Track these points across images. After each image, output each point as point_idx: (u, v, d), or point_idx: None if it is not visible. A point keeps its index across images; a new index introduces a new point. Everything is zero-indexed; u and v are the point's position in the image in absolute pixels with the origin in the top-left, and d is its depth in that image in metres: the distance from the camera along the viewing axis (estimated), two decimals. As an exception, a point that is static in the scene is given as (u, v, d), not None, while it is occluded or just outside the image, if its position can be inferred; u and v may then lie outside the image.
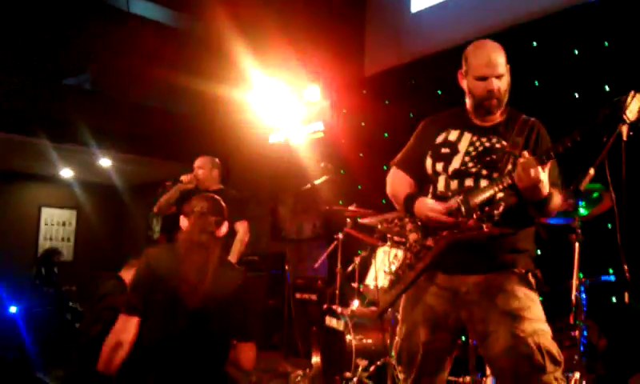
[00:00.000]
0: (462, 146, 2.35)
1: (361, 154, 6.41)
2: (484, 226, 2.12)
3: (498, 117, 2.39)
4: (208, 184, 4.53)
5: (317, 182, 5.31)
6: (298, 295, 6.04)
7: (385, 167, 6.14)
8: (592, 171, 1.96)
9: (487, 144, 2.33)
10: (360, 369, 3.95)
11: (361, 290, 4.44)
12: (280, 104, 6.32)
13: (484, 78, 2.31)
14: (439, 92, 5.69)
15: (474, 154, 2.32)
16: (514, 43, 5.02)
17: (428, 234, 2.25)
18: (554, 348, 2.12)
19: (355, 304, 4.45)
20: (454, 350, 2.37)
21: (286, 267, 6.11)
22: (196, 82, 6.23)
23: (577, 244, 3.21)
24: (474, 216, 2.14)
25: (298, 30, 6.39)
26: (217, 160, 4.69)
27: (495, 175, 2.24)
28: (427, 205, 2.25)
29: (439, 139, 2.42)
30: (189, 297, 2.35)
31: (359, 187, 6.30)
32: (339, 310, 4.30)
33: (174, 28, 6.85)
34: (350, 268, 4.64)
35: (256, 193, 6.94)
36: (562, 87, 4.58)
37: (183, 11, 6.66)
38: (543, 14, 4.85)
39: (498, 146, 2.31)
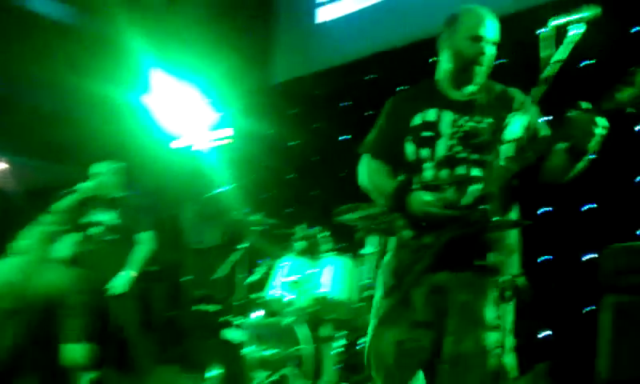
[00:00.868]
0: (445, 128, 2.15)
1: (266, 163, 6.36)
2: (491, 218, 1.99)
3: (473, 89, 2.21)
4: (108, 191, 4.31)
5: (222, 189, 5.20)
6: (197, 306, 5.89)
7: (292, 176, 6.31)
8: None
9: (471, 123, 2.14)
10: (257, 381, 3.88)
11: (262, 300, 4.38)
12: (184, 108, 6.17)
13: (479, 39, 2.15)
14: (344, 104, 5.77)
15: (458, 136, 2.13)
16: (414, 58, 5.25)
17: (425, 231, 2.08)
18: (510, 367, 2.03)
19: (256, 315, 4.38)
20: (435, 351, 2.17)
21: (187, 277, 5.96)
22: (95, 84, 5.95)
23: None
24: (478, 208, 2.00)
25: (204, 34, 6.26)
26: (118, 165, 4.45)
27: (487, 159, 2.07)
28: (424, 200, 2.07)
29: (417, 120, 2.19)
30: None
31: (266, 195, 6.25)
32: (239, 321, 4.21)
33: (72, 26, 6.53)
34: (252, 278, 4.57)
35: (158, 200, 6.73)
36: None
37: (81, 9, 6.36)
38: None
39: (482, 124, 2.13)
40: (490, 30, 2.18)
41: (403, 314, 2.12)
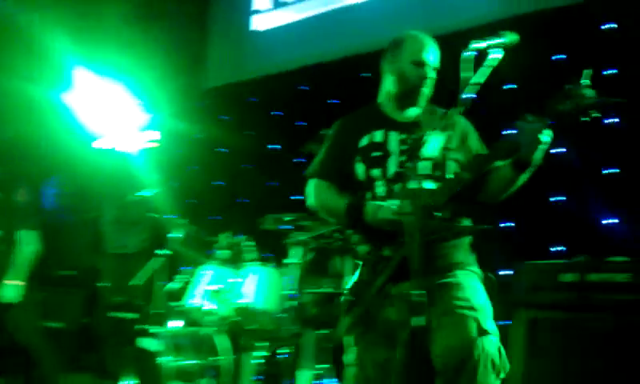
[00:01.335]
0: (393, 146, 2.20)
1: (194, 168, 6.26)
2: (451, 224, 2.03)
3: (417, 111, 2.26)
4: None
5: (146, 193, 5.06)
6: (114, 313, 5.68)
7: (220, 183, 6.24)
8: None
9: (419, 142, 2.14)
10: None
11: (182, 309, 4.28)
12: (109, 108, 5.97)
13: (422, 64, 2.21)
14: (275, 112, 5.76)
15: (407, 153, 2.17)
16: (345, 73, 5.32)
17: (383, 243, 2.07)
18: (497, 356, 2.03)
19: (174, 324, 4.27)
20: (415, 367, 2.10)
21: (105, 283, 5.74)
22: (11, 81, 5.66)
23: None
24: (436, 217, 2.01)
25: (134, 33, 6.10)
26: None
27: (437, 174, 2.09)
28: (382, 207, 2.07)
29: (364, 141, 2.23)
30: None
31: (192, 201, 6.13)
32: (156, 330, 4.10)
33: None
34: (172, 286, 4.46)
35: (77, 202, 6.49)
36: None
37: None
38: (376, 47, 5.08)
39: (429, 142, 2.12)
40: (433, 55, 2.25)
41: (375, 334, 2.10)
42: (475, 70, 2.06)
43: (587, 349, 2.96)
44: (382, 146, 2.21)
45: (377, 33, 5.06)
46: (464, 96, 2.04)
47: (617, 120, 3.93)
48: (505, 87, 4.10)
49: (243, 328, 4.26)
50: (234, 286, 4.22)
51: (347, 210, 2.16)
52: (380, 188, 2.17)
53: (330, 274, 4.15)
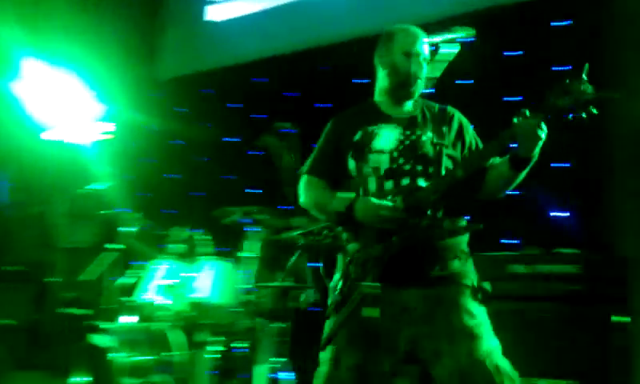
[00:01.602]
0: (386, 142, 2.17)
1: (149, 160, 6.14)
2: (444, 224, 2.01)
3: (411, 106, 2.26)
4: None
5: (99, 186, 4.94)
6: (64, 309, 5.54)
7: (175, 175, 6.12)
8: None
9: (413, 137, 2.17)
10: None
11: (134, 304, 4.20)
12: (60, 99, 5.80)
13: (414, 55, 2.20)
14: (232, 105, 5.69)
15: (401, 149, 2.14)
16: (303, 66, 5.29)
17: (373, 241, 2.04)
18: (508, 366, 2.01)
19: (127, 319, 4.18)
20: (399, 374, 2.13)
21: (55, 278, 5.60)
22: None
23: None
24: (428, 215, 1.99)
25: (86, 22, 5.94)
26: None
27: (431, 170, 2.11)
28: (374, 204, 2.03)
29: (357, 137, 2.20)
30: None
31: (146, 194, 6.01)
32: (107, 326, 4.01)
33: None
34: (124, 281, 4.36)
35: (25, 195, 6.31)
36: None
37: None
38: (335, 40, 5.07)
39: (424, 138, 2.16)
40: (424, 47, 2.23)
41: (356, 334, 2.03)
42: (431, 65, 2.07)
43: (536, 339, 3.04)
44: (374, 141, 2.18)
45: (335, 25, 5.07)
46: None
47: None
48: (458, 82, 4.14)
49: (198, 323, 4.21)
50: (188, 281, 4.16)
51: (338, 206, 2.13)
52: (372, 184, 2.14)
53: (287, 268, 4.14)
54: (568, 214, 3.96)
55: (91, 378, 4.09)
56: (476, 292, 2.08)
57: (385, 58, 2.26)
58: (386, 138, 2.18)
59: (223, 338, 4.09)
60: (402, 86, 2.23)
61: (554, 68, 3.75)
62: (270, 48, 5.49)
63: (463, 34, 2.14)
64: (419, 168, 2.12)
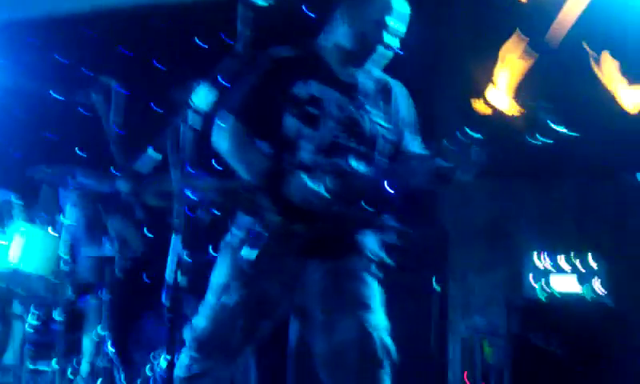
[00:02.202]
0: (329, 108, 1.99)
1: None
2: (373, 214, 1.95)
3: (359, 72, 2.09)
4: None
5: None
6: None
7: None
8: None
9: (353, 108, 2.02)
10: None
11: None
12: None
13: (386, 26, 2.01)
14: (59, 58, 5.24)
15: (339, 118, 1.99)
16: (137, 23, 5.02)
17: (296, 219, 1.93)
18: (392, 345, 2.02)
19: None
20: (265, 338, 2.11)
21: None
22: None
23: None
24: (356, 207, 1.93)
25: None
26: None
27: (363, 150, 2.01)
28: (308, 189, 1.90)
29: (299, 92, 1.98)
30: None
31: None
32: None
33: None
34: None
35: None
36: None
37: None
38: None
39: (362, 111, 2.03)
40: (401, 23, 2.07)
41: (251, 300, 2.00)
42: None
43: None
44: (319, 104, 2.00)
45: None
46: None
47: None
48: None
49: (10, 294, 3.87)
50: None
51: (268, 172, 1.96)
52: (306, 153, 1.98)
53: (110, 234, 3.91)
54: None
55: None
56: (374, 265, 2.09)
57: (354, 17, 2.05)
58: (330, 104, 2.01)
59: (37, 311, 3.79)
60: (362, 55, 2.07)
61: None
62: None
63: None
64: (353, 144, 2.02)
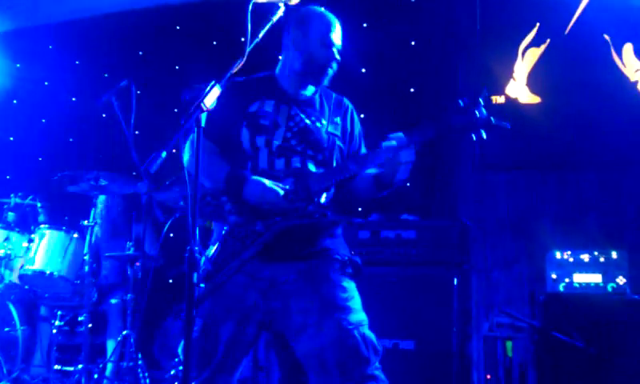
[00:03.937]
0: (282, 120, 2.14)
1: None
2: (327, 213, 2.00)
3: (312, 91, 2.23)
4: None
5: None
6: None
7: (3, 137, 5.51)
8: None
9: (307, 120, 2.15)
10: None
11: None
12: None
13: (330, 45, 2.17)
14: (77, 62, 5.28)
15: (295, 130, 2.13)
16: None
17: (256, 218, 2.02)
18: (374, 338, 2.04)
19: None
20: (255, 344, 2.16)
21: None
22: None
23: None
24: (314, 202, 2.00)
25: None
26: None
27: (320, 158, 2.12)
28: (266, 188, 2.00)
29: (253, 108, 2.15)
30: None
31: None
32: None
33: None
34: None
35: None
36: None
37: None
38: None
39: (317, 124, 2.16)
40: (339, 37, 2.22)
41: (230, 308, 2.04)
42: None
43: (382, 300, 3.17)
44: (270, 116, 2.14)
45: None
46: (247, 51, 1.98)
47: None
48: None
49: (35, 296, 3.92)
50: (21, 251, 3.84)
51: (228, 178, 2.07)
52: (263, 160, 2.12)
53: (132, 236, 3.94)
54: (408, 183, 4.15)
55: None
56: (346, 266, 2.12)
57: (300, 42, 2.19)
58: (282, 115, 2.16)
59: (61, 313, 3.85)
60: (313, 74, 2.20)
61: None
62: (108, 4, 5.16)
63: None
64: (310, 152, 2.14)
